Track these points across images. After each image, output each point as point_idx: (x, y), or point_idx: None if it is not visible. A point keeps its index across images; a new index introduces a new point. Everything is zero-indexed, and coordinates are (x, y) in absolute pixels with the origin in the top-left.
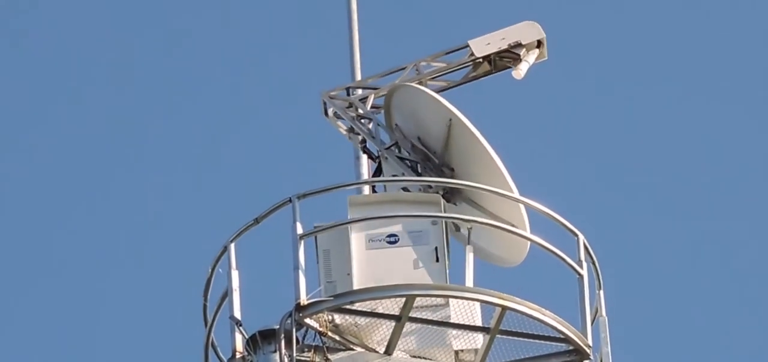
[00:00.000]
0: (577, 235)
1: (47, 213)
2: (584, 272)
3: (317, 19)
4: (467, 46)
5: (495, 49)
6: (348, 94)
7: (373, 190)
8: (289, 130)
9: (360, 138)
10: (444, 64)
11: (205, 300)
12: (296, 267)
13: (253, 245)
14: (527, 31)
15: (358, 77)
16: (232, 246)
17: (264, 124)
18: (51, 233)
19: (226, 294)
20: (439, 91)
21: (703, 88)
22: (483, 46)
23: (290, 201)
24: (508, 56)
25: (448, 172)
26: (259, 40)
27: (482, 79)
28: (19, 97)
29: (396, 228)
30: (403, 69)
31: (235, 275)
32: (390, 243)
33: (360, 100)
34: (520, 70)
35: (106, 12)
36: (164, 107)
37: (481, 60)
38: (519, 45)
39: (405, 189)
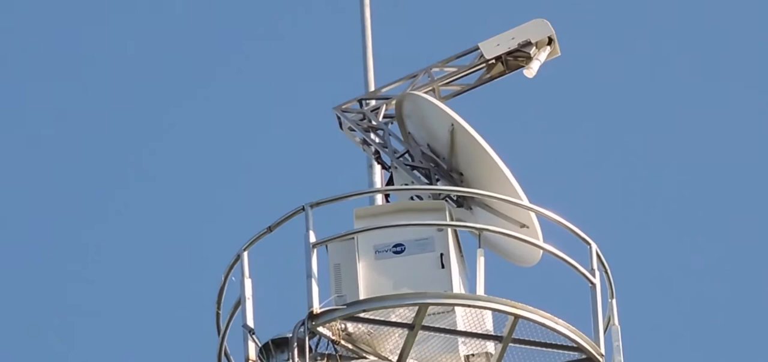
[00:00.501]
0: (589, 244)
1: (59, 218)
2: (597, 281)
3: (330, 25)
4: (477, 48)
5: (505, 50)
6: (361, 106)
7: (387, 199)
8: (303, 138)
9: (373, 149)
10: (455, 69)
11: (218, 308)
12: (309, 276)
13: (267, 253)
14: (536, 28)
15: (372, 87)
16: (245, 254)
17: (277, 133)
18: (63, 239)
19: (239, 302)
20: (454, 95)
21: (719, 91)
22: (493, 47)
23: (303, 209)
24: (520, 55)
25: (458, 177)
26: (274, 47)
27: (497, 80)
28: (35, 97)
29: (402, 237)
30: (416, 76)
31: (248, 283)
32: (396, 252)
33: (372, 110)
34: (532, 69)
35: (125, 31)
36: (178, 114)
37: (493, 61)
38: (529, 43)
39: (418, 197)
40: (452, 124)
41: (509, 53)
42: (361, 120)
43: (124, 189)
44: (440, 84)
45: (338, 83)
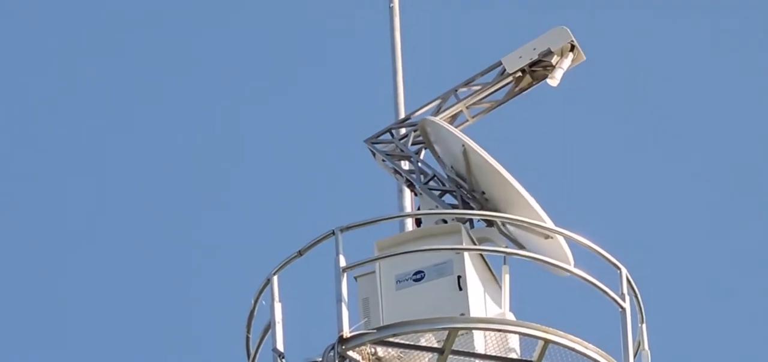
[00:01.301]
0: (619, 268)
1: (91, 243)
2: (627, 305)
3: (358, 48)
4: (500, 64)
5: (527, 62)
6: (391, 136)
7: (418, 224)
8: (332, 161)
9: (404, 177)
10: (480, 86)
11: (248, 332)
12: (339, 300)
13: (297, 277)
14: (556, 36)
15: (402, 112)
16: (275, 278)
17: (307, 156)
18: (93, 262)
19: (269, 326)
20: (485, 113)
21: (745, 109)
22: (516, 60)
23: (333, 233)
24: (543, 65)
25: (482, 198)
26: (304, 69)
27: (527, 91)
28: (70, 125)
29: (421, 264)
30: (444, 98)
31: (278, 307)
32: (417, 280)
33: (402, 139)
34: (555, 78)
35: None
36: (206, 138)
37: (520, 74)
38: (549, 52)
39: (443, 220)
40: (464, 146)
41: (532, 64)
42: (393, 149)
43: (156, 213)
44: (469, 104)
45: (367, 107)
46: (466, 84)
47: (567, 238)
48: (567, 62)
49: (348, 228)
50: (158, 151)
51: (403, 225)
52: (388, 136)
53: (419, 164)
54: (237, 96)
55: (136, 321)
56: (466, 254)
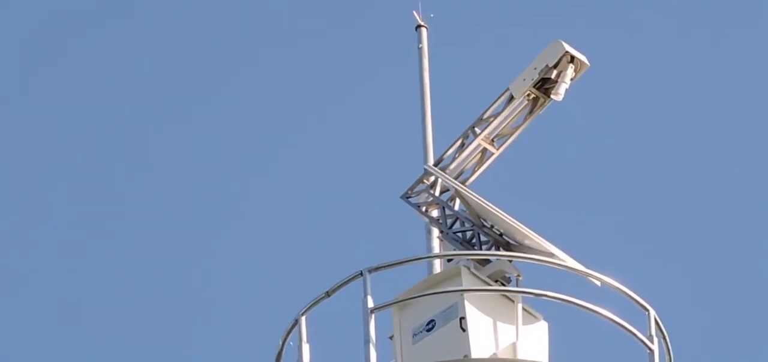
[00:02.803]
0: (647, 310)
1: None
2: (655, 347)
3: (385, 91)
4: (508, 90)
5: (531, 83)
6: (424, 184)
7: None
8: (362, 202)
9: (430, 220)
10: (493, 117)
11: None
12: (367, 341)
13: (324, 318)
14: (551, 51)
15: (431, 158)
16: (303, 319)
17: (335, 198)
18: (108, 307)
19: None
20: (511, 137)
21: None
22: (521, 84)
23: (361, 274)
24: (547, 82)
25: (495, 233)
26: (330, 113)
27: (544, 108)
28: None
29: (433, 313)
30: (464, 137)
31: (306, 348)
32: (429, 330)
33: (430, 187)
34: (559, 93)
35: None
36: (236, 183)
37: (535, 96)
38: (548, 68)
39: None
40: (454, 193)
41: (538, 84)
42: (425, 198)
43: (183, 252)
44: (490, 138)
45: (395, 149)
46: (480, 119)
47: (597, 279)
48: (569, 75)
49: (376, 268)
50: (182, 188)
51: (431, 266)
52: (422, 186)
53: (445, 208)
54: (267, 134)
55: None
56: (465, 294)
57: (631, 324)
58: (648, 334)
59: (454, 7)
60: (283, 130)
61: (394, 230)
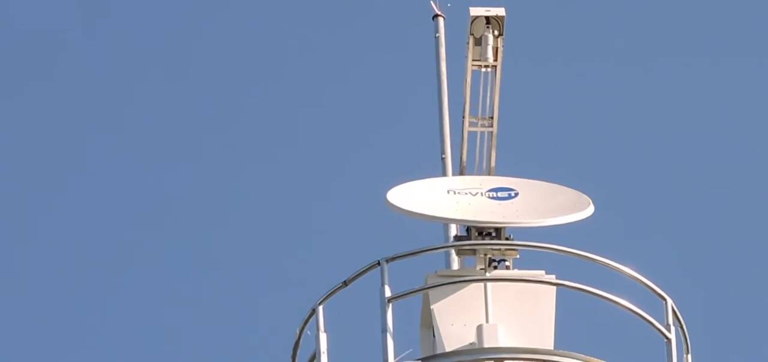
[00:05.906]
0: (665, 299)
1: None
2: (672, 336)
3: (405, 98)
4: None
5: (471, 59)
6: None
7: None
8: (379, 192)
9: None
10: (477, 119)
11: None
12: (384, 330)
13: (342, 308)
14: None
15: (449, 147)
16: (321, 308)
17: (353, 187)
18: (138, 295)
19: (315, 357)
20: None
21: None
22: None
23: (378, 264)
24: (478, 61)
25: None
26: (351, 100)
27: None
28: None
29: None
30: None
31: (323, 338)
32: None
33: None
34: (487, 58)
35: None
36: (253, 168)
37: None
38: (474, 39)
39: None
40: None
41: (476, 66)
42: None
43: (200, 241)
44: (480, 128)
45: (414, 139)
46: (466, 126)
47: (614, 270)
48: (489, 38)
49: (393, 258)
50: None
51: (447, 257)
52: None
53: None
54: (283, 125)
55: (176, 356)
56: (482, 285)
57: (649, 314)
58: (665, 324)
59: None
60: (297, 118)
61: (409, 221)
